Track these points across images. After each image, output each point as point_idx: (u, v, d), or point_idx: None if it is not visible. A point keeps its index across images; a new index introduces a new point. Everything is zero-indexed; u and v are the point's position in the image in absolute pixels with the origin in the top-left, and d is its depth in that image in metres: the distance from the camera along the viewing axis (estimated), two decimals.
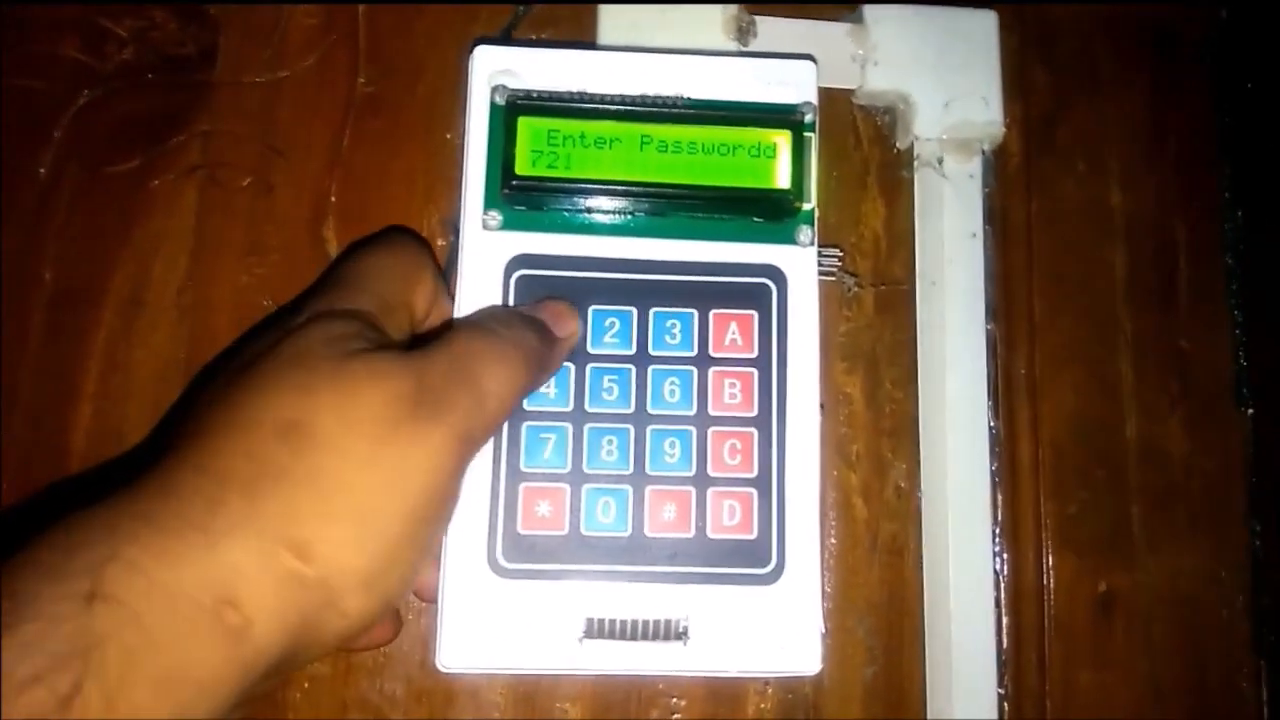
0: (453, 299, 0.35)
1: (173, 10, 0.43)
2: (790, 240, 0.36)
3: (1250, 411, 0.43)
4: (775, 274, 0.35)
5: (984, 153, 0.43)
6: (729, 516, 0.34)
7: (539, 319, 0.33)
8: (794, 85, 0.36)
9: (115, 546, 0.22)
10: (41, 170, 0.41)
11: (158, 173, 0.41)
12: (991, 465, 0.41)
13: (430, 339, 0.30)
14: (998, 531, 0.41)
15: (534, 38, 0.43)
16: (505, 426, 0.34)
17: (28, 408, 0.39)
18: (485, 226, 0.35)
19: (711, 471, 0.34)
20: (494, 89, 0.36)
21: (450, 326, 0.32)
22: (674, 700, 0.39)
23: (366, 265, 0.33)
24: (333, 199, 0.42)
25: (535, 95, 0.35)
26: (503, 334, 0.31)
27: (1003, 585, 0.41)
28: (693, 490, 0.34)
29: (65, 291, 0.40)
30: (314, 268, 0.41)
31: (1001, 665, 0.40)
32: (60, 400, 0.39)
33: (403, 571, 0.27)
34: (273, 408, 0.26)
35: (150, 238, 0.41)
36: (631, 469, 0.34)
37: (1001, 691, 0.40)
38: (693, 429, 0.34)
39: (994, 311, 0.42)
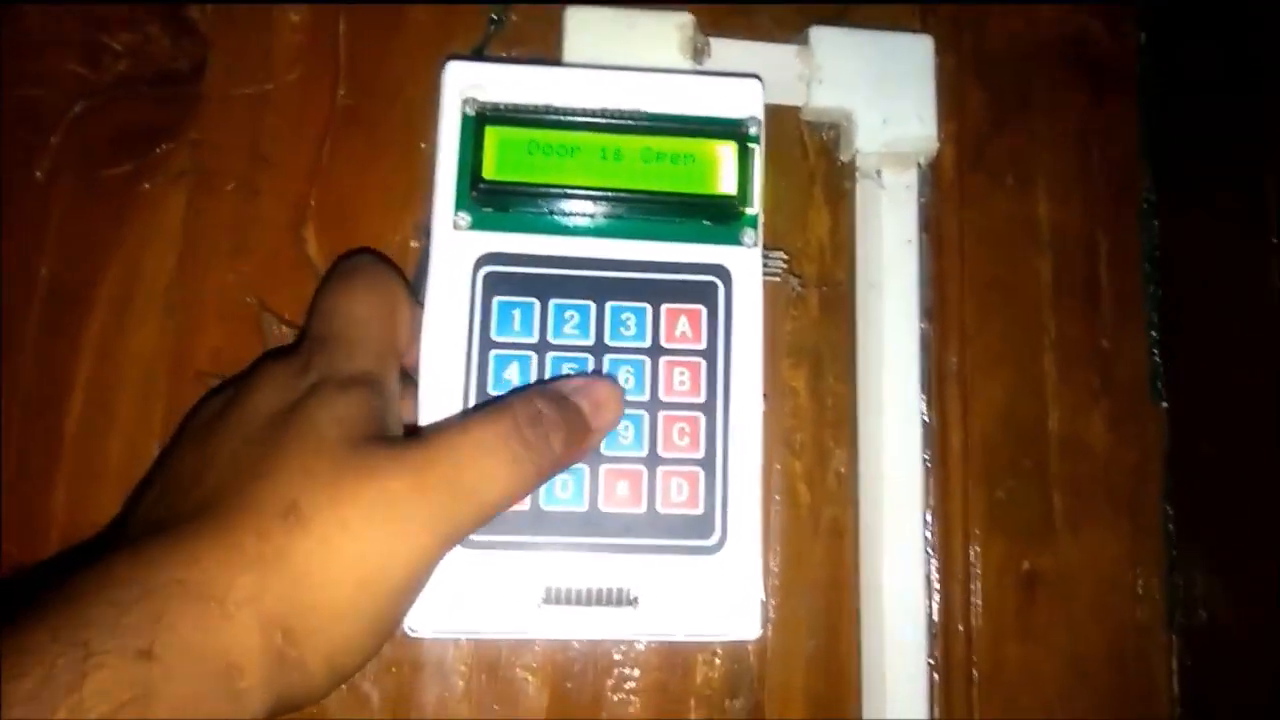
0: (425, 295, 0.38)
1: (166, 27, 0.46)
2: (736, 242, 0.39)
3: (1165, 406, 0.47)
4: (722, 273, 0.39)
5: (920, 166, 0.46)
6: (677, 493, 0.37)
7: (577, 408, 0.34)
8: (741, 101, 0.40)
9: (157, 609, 0.26)
10: (39, 174, 0.44)
11: (149, 177, 0.44)
12: (924, 454, 0.44)
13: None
14: (929, 516, 0.44)
15: (504, 55, 0.47)
16: (476, 408, 0.37)
17: (25, 395, 0.42)
18: (455, 226, 0.38)
19: (662, 452, 0.37)
20: (464, 101, 0.39)
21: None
22: (628, 670, 0.42)
23: (356, 313, 0.35)
24: (312, 203, 0.45)
25: (503, 107, 0.39)
26: (521, 437, 0.32)
27: (933, 565, 0.44)
28: (644, 469, 0.37)
29: (61, 288, 0.43)
30: (294, 267, 0.44)
31: (931, 639, 0.43)
32: (55, 389, 0.42)
33: (366, 654, 0.30)
34: (279, 487, 0.29)
35: (141, 238, 0.44)
36: None
37: (931, 662, 0.43)
38: (645, 413, 0.38)
39: (928, 312, 0.46)
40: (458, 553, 0.35)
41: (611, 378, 0.37)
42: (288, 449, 0.30)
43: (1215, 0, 0.46)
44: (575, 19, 0.45)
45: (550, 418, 0.33)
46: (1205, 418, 0.45)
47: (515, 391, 0.36)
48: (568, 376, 0.36)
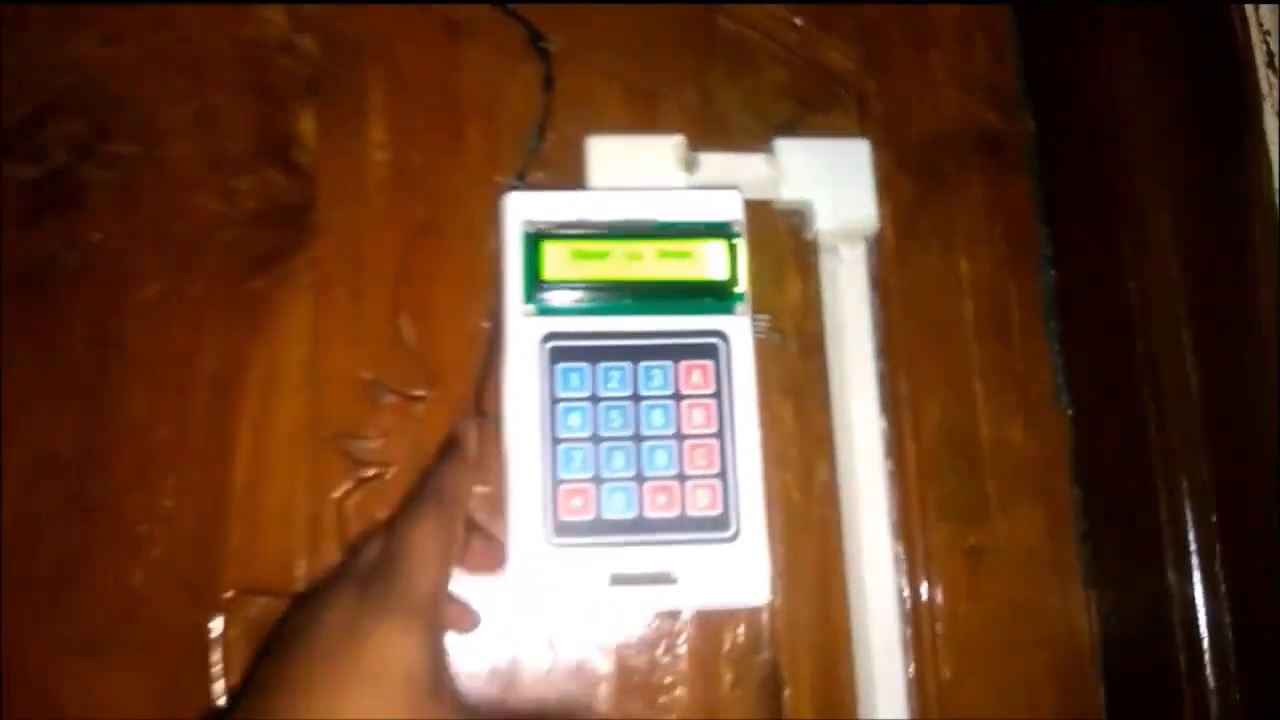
0: (504, 367, 0.52)
1: (281, 170, 0.59)
2: (730, 312, 0.53)
3: (1069, 412, 0.60)
4: (722, 335, 0.52)
5: (866, 239, 0.60)
6: (703, 499, 0.50)
7: None
8: (725, 208, 0.54)
9: None
10: (196, 290, 0.57)
11: (279, 288, 0.57)
12: (886, 462, 0.57)
13: None
14: (894, 509, 0.58)
15: (541, 177, 0.60)
16: (550, 448, 0.50)
17: (198, 462, 0.55)
18: (524, 315, 0.52)
19: (688, 471, 0.51)
20: (523, 223, 0.52)
21: None
22: (674, 640, 0.55)
23: (422, 549, 0.45)
24: (404, 299, 0.58)
25: (551, 225, 0.52)
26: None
27: (899, 546, 0.57)
28: (677, 484, 0.50)
29: (219, 378, 0.56)
30: (395, 349, 0.57)
31: (901, 603, 0.56)
32: (223, 455, 0.55)
33: None
34: (358, 711, 0.38)
35: (277, 336, 0.57)
36: (634, 473, 0.50)
37: (903, 617, 0.56)
38: (674, 443, 0.51)
39: (881, 351, 0.59)
40: (546, 551, 0.49)
41: None
42: (363, 683, 0.39)
43: (1083, 100, 0.60)
44: (595, 146, 0.59)
45: None
46: (1099, 418, 0.59)
47: None
48: None
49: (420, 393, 0.57)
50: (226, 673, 0.53)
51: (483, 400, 0.56)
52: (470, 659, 0.54)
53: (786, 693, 0.55)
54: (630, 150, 0.59)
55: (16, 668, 0.52)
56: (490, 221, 0.58)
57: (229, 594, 0.54)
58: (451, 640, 0.47)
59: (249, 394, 0.56)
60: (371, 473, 0.56)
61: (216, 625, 0.54)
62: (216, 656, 0.53)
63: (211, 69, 0.60)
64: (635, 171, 0.58)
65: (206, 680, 0.53)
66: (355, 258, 0.58)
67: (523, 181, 0.60)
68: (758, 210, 0.60)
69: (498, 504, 0.54)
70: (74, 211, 0.58)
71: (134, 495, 0.55)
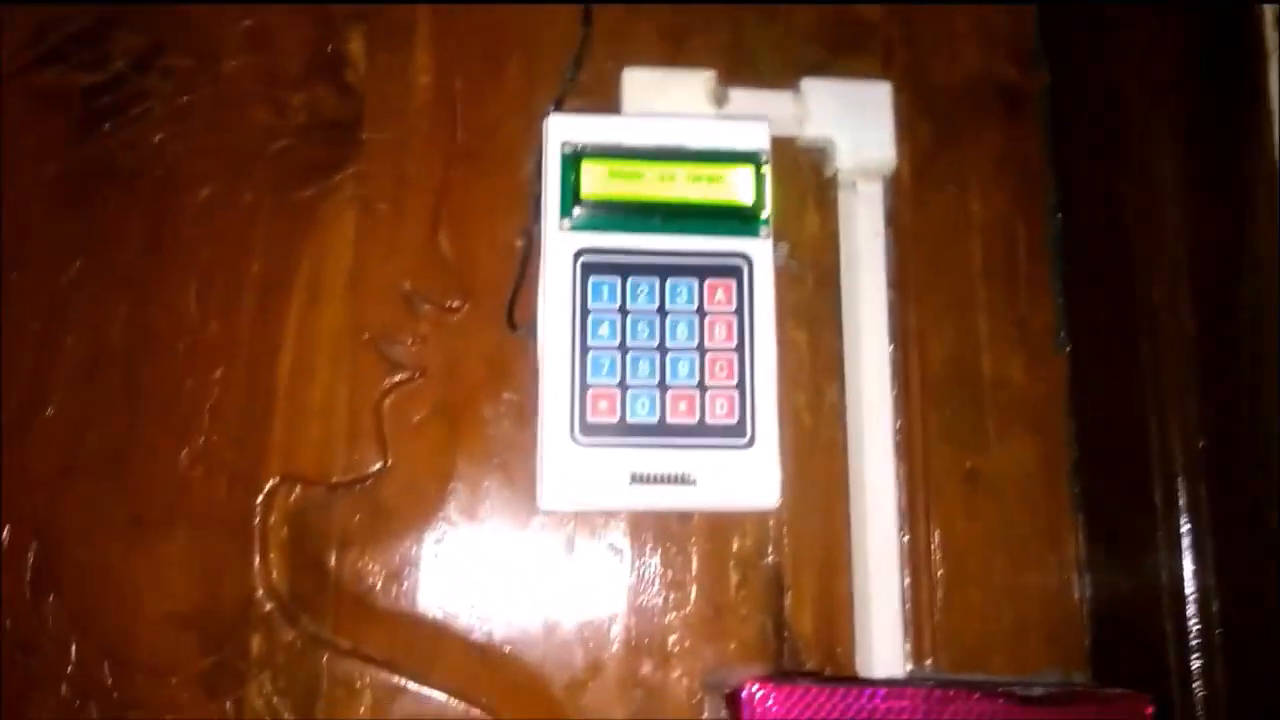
0: (540, 279, 0.55)
1: (331, 88, 0.62)
2: (755, 235, 0.56)
3: (1068, 350, 0.64)
4: (746, 257, 0.56)
5: (884, 178, 0.63)
6: (721, 408, 0.54)
7: None
8: (754, 138, 0.57)
9: None
10: (247, 197, 0.60)
11: (326, 199, 0.61)
12: (893, 389, 0.61)
13: None
14: (897, 432, 0.61)
15: (578, 105, 0.63)
16: (580, 355, 0.53)
17: (247, 358, 0.58)
18: (561, 229, 0.55)
19: (708, 382, 0.54)
20: (562, 144, 0.55)
21: None
22: (687, 542, 0.58)
23: None
24: (443, 215, 0.61)
25: (589, 147, 0.55)
26: None
27: (900, 467, 0.61)
28: (697, 393, 0.54)
29: (268, 280, 0.59)
30: (433, 262, 0.60)
31: (900, 516, 0.60)
32: (269, 352, 0.59)
33: None
34: None
35: (323, 244, 0.60)
36: (658, 381, 0.54)
37: (901, 531, 0.59)
38: (696, 354, 0.54)
39: (892, 284, 0.62)
40: (573, 450, 0.52)
41: None
42: None
43: (1096, 55, 0.63)
44: (630, 77, 0.62)
45: None
46: (1096, 356, 0.62)
47: None
48: None
49: (455, 304, 0.60)
50: (264, 555, 0.57)
51: (514, 313, 0.60)
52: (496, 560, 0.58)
53: (788, 596, 0.59)
54: (663, 82, 0.62)
55: (67, 544, 0.56)
56: (527, 145, 0.62)
57: (271, 481, 0.58)
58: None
59: (294, 296, 0.60)
60: (406, 376, 0.59)
61: (257, 510, 0.57)
62: (256, 540, 0.57)
63: None
64: (667, 103, 0.61)
65: (247, 562, 0.57)
66: (398, 174, 0.62)
67: (560, 109, 0.63)
68: (781, 146, 0.62)
69: (524, 410, 0.58)
70: (131, 118, 0.61)
71: (184, 385, 0.58)
